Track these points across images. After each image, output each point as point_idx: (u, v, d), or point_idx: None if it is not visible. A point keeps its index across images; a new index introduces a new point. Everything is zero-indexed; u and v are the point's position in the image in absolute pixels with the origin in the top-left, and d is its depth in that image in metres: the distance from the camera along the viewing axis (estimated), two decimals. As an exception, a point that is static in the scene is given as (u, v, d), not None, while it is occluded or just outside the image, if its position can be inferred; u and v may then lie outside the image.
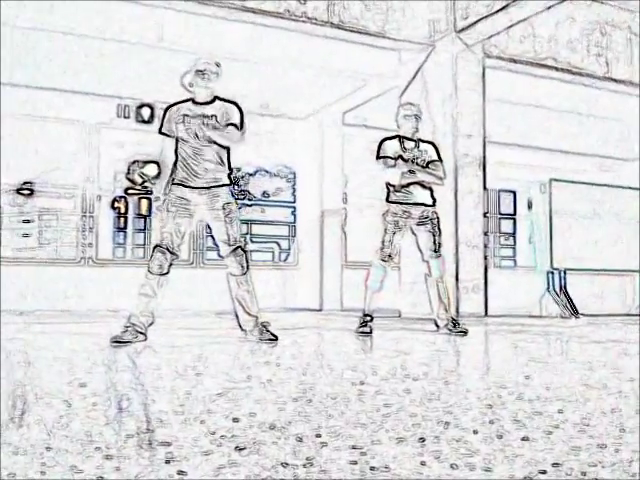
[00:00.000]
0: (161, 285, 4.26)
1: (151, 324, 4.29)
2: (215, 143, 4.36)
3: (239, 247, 4.40)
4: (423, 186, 5.37)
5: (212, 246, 9.16)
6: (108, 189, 8.61)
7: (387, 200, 5.41)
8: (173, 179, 4.43)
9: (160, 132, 4.50)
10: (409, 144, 5.42)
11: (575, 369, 3.26)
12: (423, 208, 5.35)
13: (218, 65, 4.47)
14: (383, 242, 5.33)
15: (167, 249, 4.27)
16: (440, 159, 5.46)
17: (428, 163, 5.39)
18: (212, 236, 4.64)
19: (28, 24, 6.22)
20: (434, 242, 5.35)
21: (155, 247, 4.30)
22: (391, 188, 5.39)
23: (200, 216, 4.42)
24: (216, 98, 4.44)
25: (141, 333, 4.21)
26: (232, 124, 4.36)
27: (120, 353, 3.78)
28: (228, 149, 4.43)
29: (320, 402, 2.20)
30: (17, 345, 4.16)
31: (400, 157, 5.33)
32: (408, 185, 5.34)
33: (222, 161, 4.41)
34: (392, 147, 5.38)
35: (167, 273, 4.26)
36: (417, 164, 5.35)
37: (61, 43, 6.74)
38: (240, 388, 2.50)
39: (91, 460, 1.48)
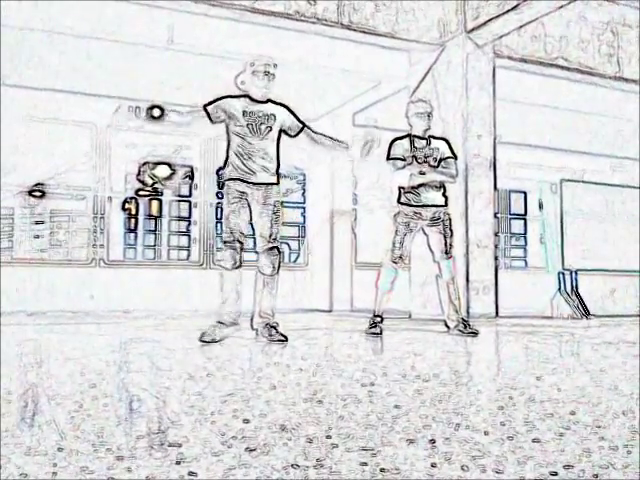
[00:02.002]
0: (239, 278, 4.41)
1: (238, 318, 4.45)
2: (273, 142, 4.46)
3: (276, 247, 4.45)
4: (435, 186, 5.33)
5: (222, 247, 9.17)
6: (119, 190, 8.65)
7: (398, 201, 5.38)
8: (227, 175, 4.44)
9: (204, 108, 4.45)
10: (420, 143, 5.36)
11: (587, 370, 3.24)
12: (435, 209, 5.32)
13: (275, 66, 4.54)
14: (394, 243, 5.31)
15: (237, 241, 4.38)
16: (454, 155, 5.40)
17: (440, 160, 5.34)
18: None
19: (41, 26, 6.25)
20: (445, 243, 5.32)
21: (225, 243, 4.41)
22: (402, 189, 5.36)
23: (254, 210, 4.47)
24: (269, 100, 4.53)
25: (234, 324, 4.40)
26: (303, 128, 4.56)
27: (131, 354, 3.80)
28: (278, 148, 4.49)
29: (330, 403, 2.20)
30: (28, 346, 4.18)
31: (412, 157, 5.30)
32: (419, 186, 5.31)
33: (275, 159, 4.48)
34: (402, 147, 5.33)
35: (241, 266, 4.39)
36: (429, 163, 5.31)
37: (72, 45, 6.77)
38: (250, 389, 2.51)
39: (101, 461, 1.49)
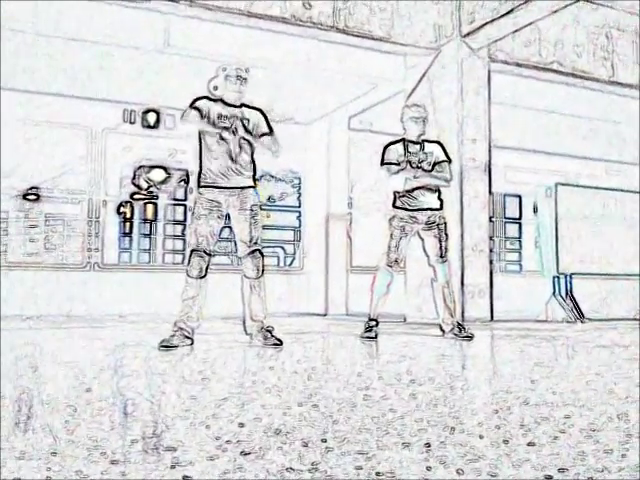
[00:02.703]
0: (202, 288, 4.40)
1: (197, 327, 4.41)
2: (249, 145, 4.45)
3: (257, 250, 4.46)
4: (430, 190, 5.34)
5: (216, 250, 9.17)
6: (114, 194, 8.63)
7: (393, 205, 5.39)
8: (201, 182, 4.45)
9: (195, 108, 4.43)
10: (414, 147, 5.37)
11: (581, 374, 3.25)
12: (430, 212, 5.32)
13: (247, 71, 4.56)
14: (389, 247, 5.31)
15: (204, 252, 4.37)
16: (448, 159, 5.40)
17: (435, 164, 5.34)
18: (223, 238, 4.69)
19: (34, 29, 6.25)
20: (440, 247, 5.32)
21: (192, 251, 4.41)
22: (397, 194, 5.37)
23: (232, 216, 4.48)
24: (242, 104, 4.54)
25: (188, 337, 4.33)
26: (265, 133, 4.49)
27: (126, 358, 3.79)
28: (252, 151, 4.50)
29: (326, 407, 2.19)
30: (23, 350, 4.17)
31: (406, 161, 5.30)
32: (413, 190, 5.31)
33: (250, 163, 4.50)
34: (396, 152, 5.34)
35: (205, 275, 4.40)
36: (422, 168, 5.32)
37: (67, 49, 6.76)
38: (246, 393, 2.50)
39: (96, 465, 1.48)
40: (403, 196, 5.33)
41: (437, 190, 5.38)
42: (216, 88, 4.53)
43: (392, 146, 5.37)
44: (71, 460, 1.52)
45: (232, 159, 4.42)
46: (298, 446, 1.66)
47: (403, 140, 5.40)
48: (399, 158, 5.30)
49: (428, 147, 5.40)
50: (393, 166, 5.28)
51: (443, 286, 5.34)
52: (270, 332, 4.41)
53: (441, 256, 5.32)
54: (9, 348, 4.09)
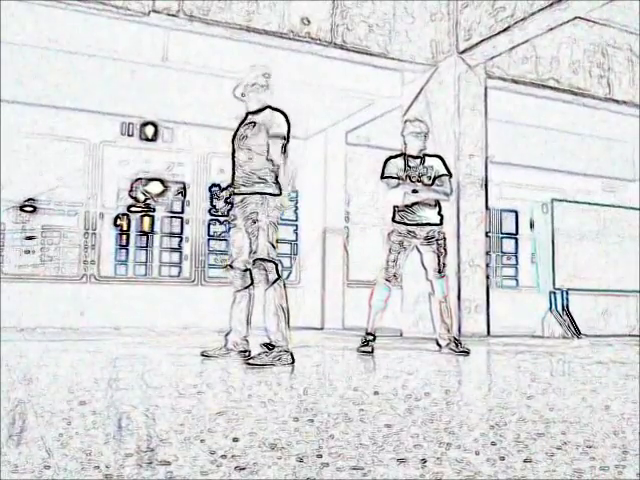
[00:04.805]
0: (245, 302, 4.42)
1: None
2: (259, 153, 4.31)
3: (258, 260, 4.17)
4: (429, 205, 5.32)
5: (213, 263, 9.16)
6: (111, 206, 8.63)
7: (393, 220, 5.38)
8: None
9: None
10: (414, 162, 5.36)
11: (578, 390, 3.24)
12: (429, 228, 5.30)
13: (266, 76, 4.49)
14: (387, 262, 5.30)
15: (230, 266, 4.42)
16: (449, 172, 5.38)
17: (435, 178, 5.34)
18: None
19: (33, 42, 6.27)
20: (439, 262, 5.30)
21: (225, 266, 4.56)
22: (396, 208, 5.36)
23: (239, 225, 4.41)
24: (268, 107, 4.41)
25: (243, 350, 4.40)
26: (274, 135, 4.27)
27: (121, 371, 3.77)
28: (268, 157, 4.28)
29: (321, 422, 2.18)
30: (18, 362, 4.15)
31: (406, 176, 5.30)
32: (413, 205, 5.30)
33: (255, 170, 4.28)
34: (396, 166, 5.34)
35: (246, 288, 4.42)
36: (422, 182, 5.31)
37: (67, 62, 6.79)
38: (240, 407, 2.49)
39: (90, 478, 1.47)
40: (402, 211, 5.33)
41: (437, 205, 5.37)
42: (243, 95, 4.47)
43: (392, 160, 5.37)
44: (64, 473, 1.50)
45: (240, 167, 4.34)
46: (293, 461, 1.65)
47: (403, 154, 5.41)
48: (399, 172, 5.30)
49: (428, 161, 5.39)
50: (392, 180, 5.29)
51: (440, 301, 5.32)
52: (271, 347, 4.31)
53: (439, 271, 5.30)
54: (4, 360, 4.07)
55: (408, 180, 5.30)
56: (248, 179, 4.28)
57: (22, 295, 7.81)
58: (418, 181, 5.30)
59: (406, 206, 5.30)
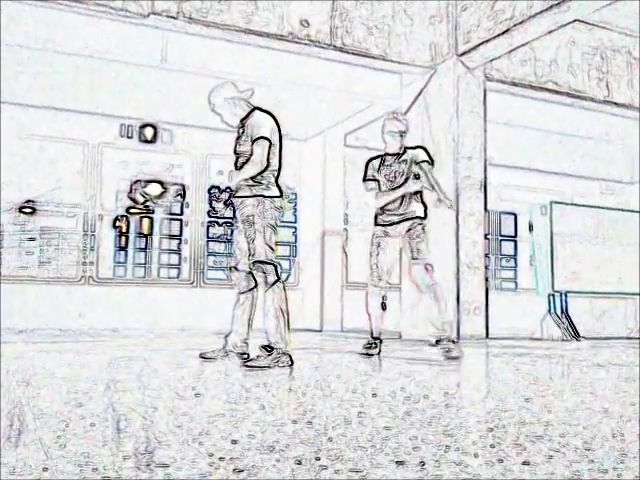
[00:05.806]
0: (248, 303, 4.40)
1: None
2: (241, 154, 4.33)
3: (256, 262, 4.15)
4: (415, 199, 5.21)
5: (212, 265, 9.16)
6: (110, 208, 8.63)
7: (375, 224, 5.35)
8: None
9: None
10: (389, 159, 5.28)
11: (577, 392, 3.24)
12: (411, 222, 5.18)
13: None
14: (370, 267, 5.25)
15: (234, 268, 4.40)
16: (431, 160, 5.21)
17: (415, 164, 5.15)
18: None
19: (32, 44, 6.27)
20: (411, 249, 5.14)
21: (229, 268, 4.46)
22: (377, 210, 5.33)
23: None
24: (256, 109, 4.41)
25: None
26: (258, 138, 4.23)
27: (120, 373, 3.77)
28: (268, 158, 4.30)
29: (320, 424, 2.18)
30: (16, 364, 4.14)
31: (383, 176, 5.25)
32: (387, 205, 5.25)
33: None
34: (372, 168, 5.31)
35: (250, 290, 4.39)
36: (391, 181, 5.22)
37: (65, 63, 6.79)
38: (239, 409, 2.49)
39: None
40: (377, 213, 5.31)
41: (418, 198, 5.22)
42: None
43: (371, 162, 5.34)
44: (62, 476, 1.50)
45: (235, 169, 4.35)
46: (291, 464, 1.65)
47: (385, 154, 5.34)
48: (374, 174, 5.28)
49: (407, 154, 5.26)
50: (370, 182, 5.28)
51: (425, 291, 5.19)
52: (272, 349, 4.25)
53: (413, 257, 5.15)
54: (2, 361, 4.06)
55: (383, 179, 5.25)
56: (244, 182, 4.28)
57: (21, 296, 7.80)
58: (389, 180, 5.22)
59: (381, 208, 5.27)
